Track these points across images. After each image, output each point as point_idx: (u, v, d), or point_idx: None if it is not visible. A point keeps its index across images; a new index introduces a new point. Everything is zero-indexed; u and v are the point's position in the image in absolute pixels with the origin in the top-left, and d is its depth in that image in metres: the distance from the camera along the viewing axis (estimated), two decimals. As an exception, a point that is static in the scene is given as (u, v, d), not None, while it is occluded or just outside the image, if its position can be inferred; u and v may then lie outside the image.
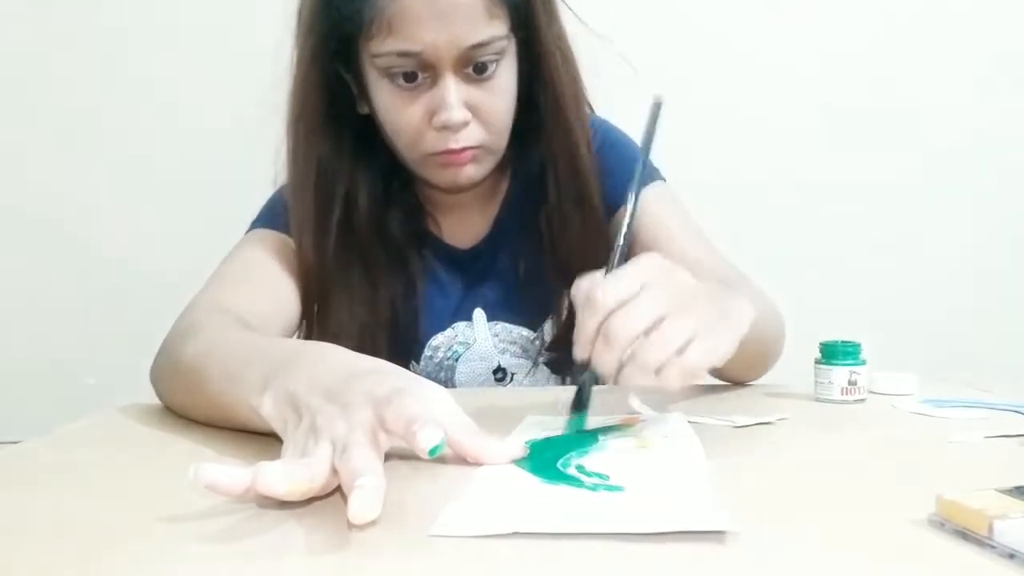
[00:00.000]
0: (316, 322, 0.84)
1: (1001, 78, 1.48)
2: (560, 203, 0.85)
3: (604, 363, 0.50)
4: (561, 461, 0.48)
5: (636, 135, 0.93)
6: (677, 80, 1.43)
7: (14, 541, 0.38)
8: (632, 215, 0.61)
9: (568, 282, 0.82)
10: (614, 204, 0.86)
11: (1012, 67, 1.49)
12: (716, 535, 0.36)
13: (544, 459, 0.49)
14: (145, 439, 0.60)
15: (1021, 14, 1.48)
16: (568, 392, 0.60)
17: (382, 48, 0.74)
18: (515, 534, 0.36)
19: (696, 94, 1.44)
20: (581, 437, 0.55)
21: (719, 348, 0.52)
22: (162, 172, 1.42)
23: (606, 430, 0.57)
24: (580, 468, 0.47)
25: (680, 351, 0.50)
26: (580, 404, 0.58)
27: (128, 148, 1.42)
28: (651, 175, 0.87)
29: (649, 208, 0.83)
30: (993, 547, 0.34)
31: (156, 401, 0.70)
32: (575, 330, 0.52)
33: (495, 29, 0.75)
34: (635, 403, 0.65)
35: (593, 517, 0.38)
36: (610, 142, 0.89)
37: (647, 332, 0.50)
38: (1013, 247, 1.50)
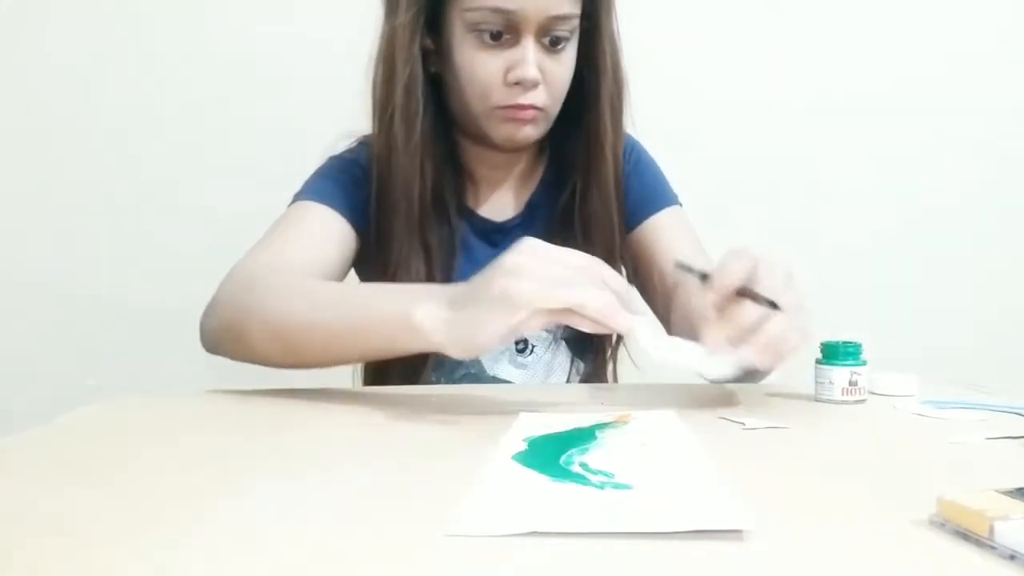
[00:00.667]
0: (381, 258, 0.89)
1: (1002, 79, 1.48)
2: (585, 190, 0.93)
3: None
4: (564, 458, 0.48)
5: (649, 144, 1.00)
6: (678, 79, 1.44)
7: (12, 534, 0.38)
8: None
9: None
10: (632, 215, 0.96)
11: (1013, 70, 1.48)
12: (733, 533, 0.36)
13: (545, 456, 0.49)
14: (143, 432, 0.60)
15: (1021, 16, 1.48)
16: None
17: (476, 3, 0.81)
18: (531, 533, 0.36)
19: (696, 94, 1.45)
20: (579, 434, 0.55)
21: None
22: (164, 172, 1.42)
23: (602, 427, 0.57)
24: (584, 466, 0.47)
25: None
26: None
27: (129, 147, 1.42)
28: (669, 199, 0.98)
29: (665, 227, 0.94)
30: (993, 548, 0.34)
31: (151, 394, 0.70)
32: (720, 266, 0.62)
33: (574, 7, 0.84)
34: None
35: (610, 516, 0.38)
36: (642, 164, 0.99)
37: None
38: (1015, 248, 1.49)
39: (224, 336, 0.76)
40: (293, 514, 0.40)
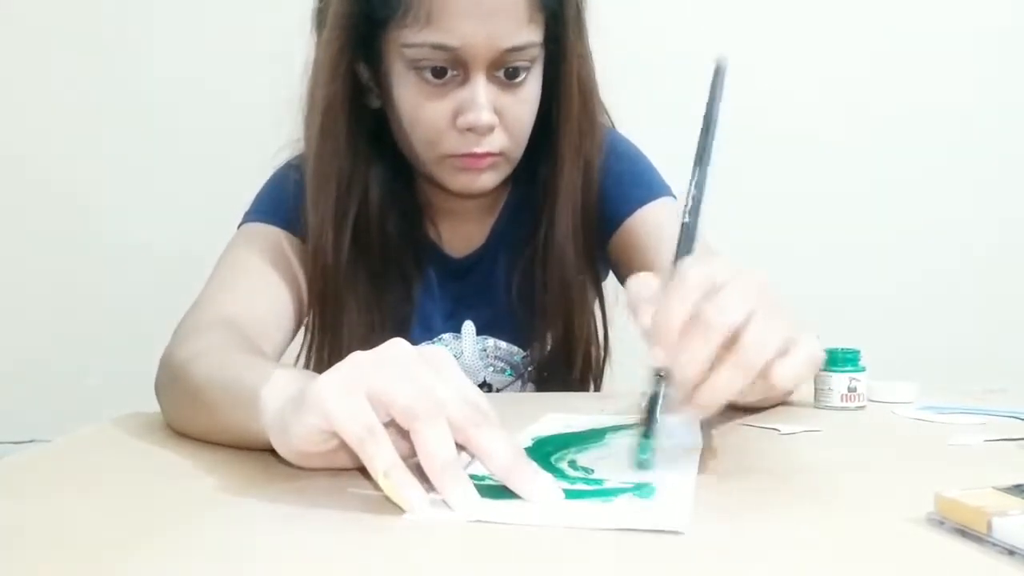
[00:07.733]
0: (322, 323, 0.82)
1: (1002, 79, 1.48)
2: (555, 227, 0.83)
3: (696, 359, 0.41)
4: (556, 455, 0.49)
5: (644, 142, 0.92)
6: (676, 83, 1.44)
7: (14, 550, 0.38)
8: (695, 196, 0.52)
9: (556, 305, 0.83)
10: (613, 216, 0.84)
11: (1013, 70, 1.49)
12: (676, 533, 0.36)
13: (541, 453, 0.49)
14: (145, 449, 0.60)
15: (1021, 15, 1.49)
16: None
17: (416, 38, 0.71)
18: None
19: (694, 96, 1.45)
20: (589, 435, 0.55)
21: (816, 354, 0.45)
22: (163, 171, 1.42)
23: (615, 429, 0.57)
24: (572, 463, 0.47)
25: (781, 353, 0.42)
26: (650, 426, 0.45)
27: (131, 147, 1.42)
28: (661, 190, 0.86)
29: (657, 220, 0.82)
30: (992, 544, 0.34)
31: (155, 411, 0.70)
32: (648, 327, 0.43)
33: (532, 35, 0.74)
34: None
35: (553, 511, 0.39)
36: (616, 154, 0.86)
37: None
38: (1016, 252, 1.49)
39: (165, 403, 0.66)
40: (293, 524, 0.40)
